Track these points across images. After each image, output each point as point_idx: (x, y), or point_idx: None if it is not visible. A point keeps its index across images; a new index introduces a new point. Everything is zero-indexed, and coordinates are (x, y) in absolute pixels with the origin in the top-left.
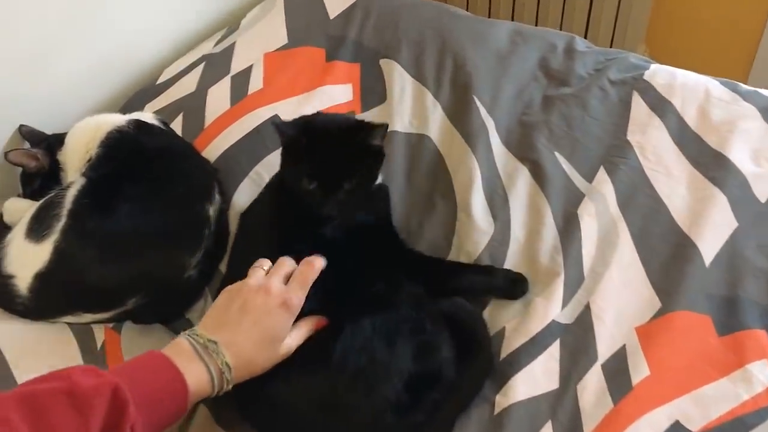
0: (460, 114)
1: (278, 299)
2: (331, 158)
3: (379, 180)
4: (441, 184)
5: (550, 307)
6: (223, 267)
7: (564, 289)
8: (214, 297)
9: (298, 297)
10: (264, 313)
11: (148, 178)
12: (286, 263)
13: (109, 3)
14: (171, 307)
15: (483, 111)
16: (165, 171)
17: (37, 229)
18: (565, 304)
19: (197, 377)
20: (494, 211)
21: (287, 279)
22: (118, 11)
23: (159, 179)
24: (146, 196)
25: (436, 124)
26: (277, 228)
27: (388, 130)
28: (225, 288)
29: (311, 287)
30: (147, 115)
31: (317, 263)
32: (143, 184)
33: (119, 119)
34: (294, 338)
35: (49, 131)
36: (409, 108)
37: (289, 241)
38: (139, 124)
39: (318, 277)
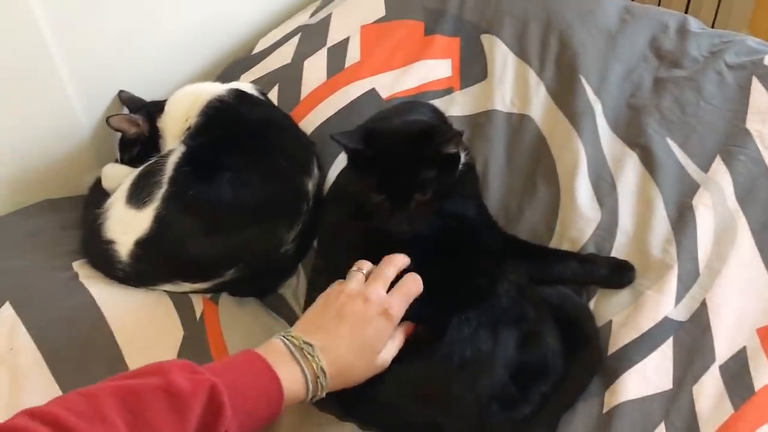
0: (565, 94)
1: (379, 308)
2: (400, 170)
3: (464, 159)
4: (543, 167)
5: (662, 302)
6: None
7: (678, 284)
8: (307, 274)
9: (399, 308)
10: (363, 320)
11: (248, 149)
12: (389, 270)
13: None
14: (266, 281)
15: (590, 92)
16: (265, 143)
17: (137, 196)
18: (678, 299)
19: (292, 380)
20: (600, 198)
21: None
22: None
23: (259, 151)
24: (247, 168)
25: (539, 105)
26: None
27: (488, 109)
28: (322, 293)
29: None
30: (246, 85)
31: (420, 283)
32: (244, 155)
33: (219, 88)
34: (389, 351)
35: (147, 98)
36: (510, 86)
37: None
38: (239, 94)
39: (420, 263)
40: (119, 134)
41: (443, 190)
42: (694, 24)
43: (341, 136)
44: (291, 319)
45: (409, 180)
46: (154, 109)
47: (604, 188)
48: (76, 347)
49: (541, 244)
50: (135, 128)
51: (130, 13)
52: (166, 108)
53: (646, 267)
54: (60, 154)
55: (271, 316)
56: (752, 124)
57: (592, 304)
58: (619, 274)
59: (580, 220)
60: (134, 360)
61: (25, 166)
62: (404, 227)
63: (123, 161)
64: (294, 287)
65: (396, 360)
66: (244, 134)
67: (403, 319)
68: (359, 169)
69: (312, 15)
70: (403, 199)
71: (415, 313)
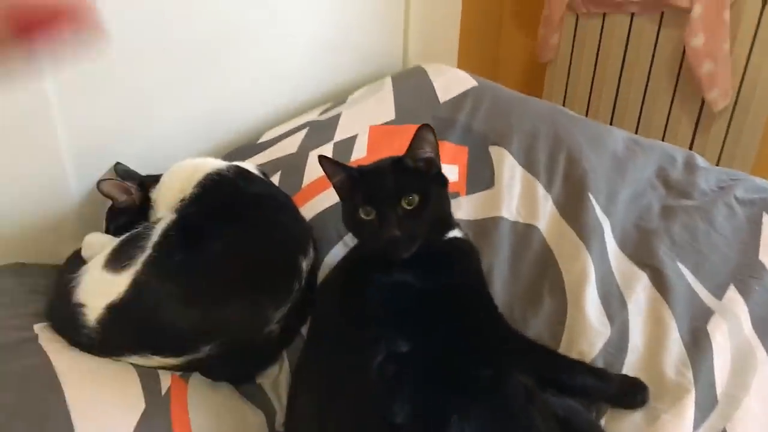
0: (573, 210)
1: None
2: (383, 179)
3: (457, 234)
4: (549, 278)
5: (681, 429)
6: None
7: (696, 410)
8: (291, 365)
9: None
10: None
11: (243, 220)
12: None
13: (223, 60)
14: (245, 364)
15: (598, 210)
16: (261, 216)
17: (117, 260)
18: (696, 427)
19: None
20: (610, 313)
21: None
22: (230, 70)
23: (255, 224)
24: (239, 238)
25: (546, 217)
26: (361, 302)
27: (495, 216)
28: None
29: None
30: (248, 165)
31: None
32: (237, 226)
33: (220, 163)
34: None
35: (143, 173)
36: (517, 196)
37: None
38: (240, 171)
39: (418, 351)
40: (107, 204)
41: (427, 202)
42: (700, 160)
43: (329, 160)
44: (269, 411)
45: (393, 186)
46: (148, 180)
47: (614, 304)
48: (24, 409)
49: (549, 348)
50: (125, 195)
51: (142, 89)
52: (163, 179)
53: (661, 388)
54: (43, 218)
55: (246, 404)
56: (766, 257)
57: (602, 421)
58: (632, 393)
59: (590, 333)
60: (85, 429)
61: (5, 225)
62: (393, 231)
63: (108, 231)
64: (274, 377)
65: None
66: (239, 206)
67: (401, 407)
68: (346, 192)
69: (321, 114)
70: (391, 205)
71: (413, 406)
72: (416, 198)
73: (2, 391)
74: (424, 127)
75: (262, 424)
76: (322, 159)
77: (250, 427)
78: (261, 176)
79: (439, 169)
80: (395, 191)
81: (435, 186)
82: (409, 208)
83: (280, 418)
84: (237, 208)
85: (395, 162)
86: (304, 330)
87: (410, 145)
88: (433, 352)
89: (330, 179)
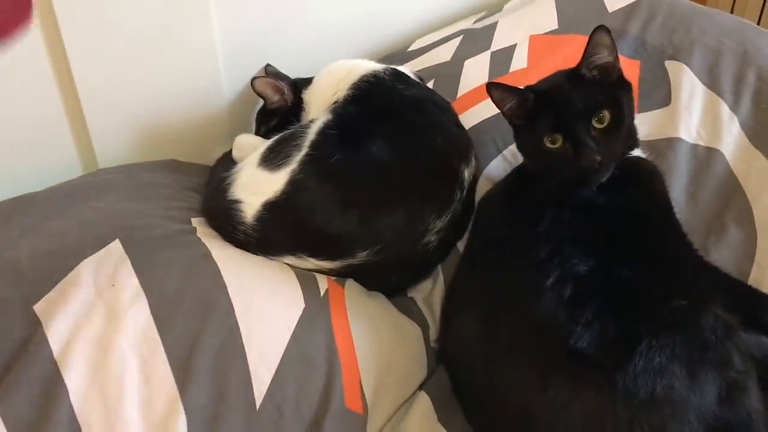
0: (764, 133)
1: None
2: (567, 102)
3: (640, 154)
4: (734, 207)
5: None
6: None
7: None
8: (446, 280)
9: None
10: None
11: (403, 122)
12: None
13: None
14: (400, 274)
15: None
16: (422, 119)
17: (272, 159)
18: None
19: None
20: None
21: None
22: None
23: (415, 126)
24: (399, 141)
25: (732, 141)
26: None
27: (671, 137)
28: None
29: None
30: (404, 68)
31: None
32: (397, 128)
33: (376, 65)
34: None
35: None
36: (698, 117)
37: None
38: (397, 73)
39: (599, 272)
40: (258, 106)
41: (622, 122)
42: None
43: (498, 86)
44: (423, 325)
45: (581, 106)
46: (301, 82)
47: None
48: (186, 297)
49: (745, 282)
50: (278, 96)
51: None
52: (316, 79)
53: None
54: (197, 117)
55: (402, 315)
56: None
57: None
58: None
59: None
60: (247, 324)
61: (160, 122)
62: (593, 158)
63: (258, 133)
64: (427, 292)
65: (560, 386)
66: (398, 108)
67: (583, 331)
68: (524, 118)
69: (475, 22)
70: (583, 128)
71: (596, 330)
72: (607, 114)
73: (168, 277)
74: (600, 30)
75: (418, 336)
76: (490, 86)
77: (407, 335)
78: (418, 80)
79: (621, 73)
80: (584, 111)
81: (623, 95)
82: (600, 126)
83: (433, 333)
84: (396, 109)
85: (570, 75)
86: (460, 246)
87: (585, 52)
88: (617, 274)
89: (500, 107)
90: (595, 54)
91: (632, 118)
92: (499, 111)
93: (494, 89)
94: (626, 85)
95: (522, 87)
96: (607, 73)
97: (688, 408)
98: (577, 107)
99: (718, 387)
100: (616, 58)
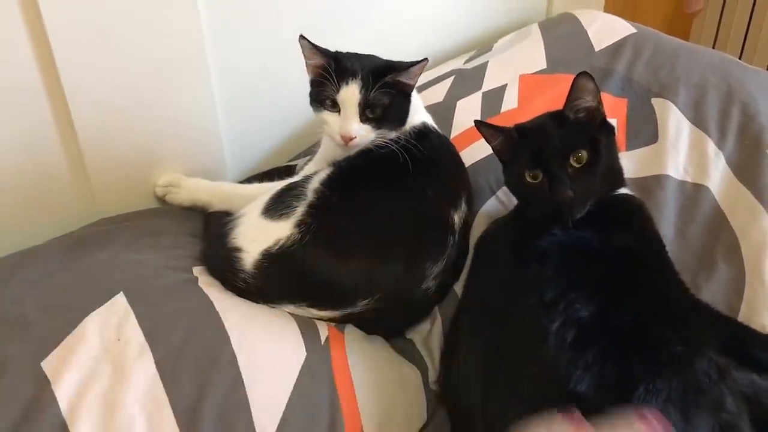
0: (749, 169)
1: None
2: (548, 140)
3: (627, 191)
4: (723, 243)
5: None
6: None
7: None
8: (444, 320)
9: None
10: None
11: (400, 176)
12: None
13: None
14: (398, 320)
15: None
16: (419, 166)
17: (275, 209)
18: None
19: None
20: None
21: None
22: (371, 15)
23: (409, 180)
24: (396, 193)
25: (718, 177)
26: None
27: (659, 174)
28: None
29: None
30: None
31: None
32: (395, 181)
33: None
34: None
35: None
36: (684, 154)
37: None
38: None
39: (601, 317)
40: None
41: (599, 162)
42: None
43: (485, 124)
44: (421, 367)
45: (559, 144)
46: None
47: None
48: (190, 350)
49: (737, 319)
50: None
51: (278, 45)
52: None
53: None
54: (197, 162)
55: (401, 358)
56: None
57: None
58: None
59: None
60: (251, 376)
61: (159, 167)
62: (566, 193)
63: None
64: (425, 334)
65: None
66: (400, 160)
67: (583, 374)
68: (509, 155)
69: (466, 62)
70: (559, 165)
71: (595, 374)
72: (585, 154)
73: (172, 330)
74: (583, 75)
75: (418, 380)
76: (479, 124)
77: (407, 380)
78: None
79: (604, 117)
80: (562, 149)
81: (602, 137)
82: (578, 165)
83: (431, 375)
84: (395, 163)
85: (555, 116)
86: (456, 286)
87: (569, 96)
88: (616, 318)
89: (489, 143)
90: (578, 98)
91: (614, 159)
92: (491, 152)
93: (482, 127)
94: (608, 128)
95: (510, 126)
96: (591, 116)
97: None
98: (556, 145)
99: (711, 428)
100: (600, 102)
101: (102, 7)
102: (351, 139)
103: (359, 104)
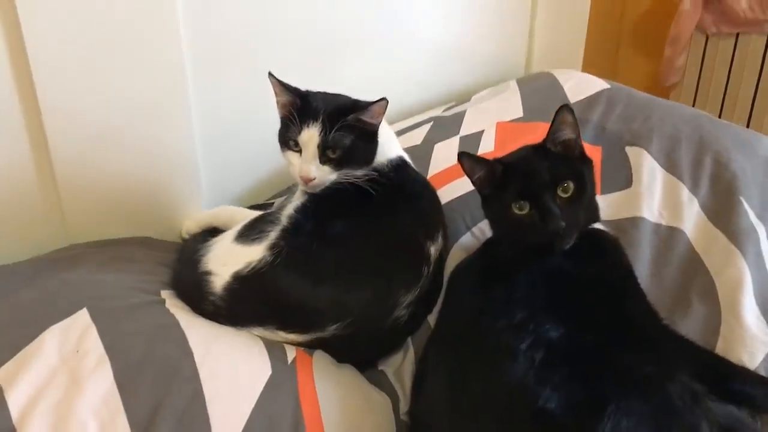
0: (723, 214)
1: None
2: (535, 172)
3: (600, 226)
4: (698, 283)
5: None
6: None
7: None
8: (416, 352)
9: None
10: None
11: (376, 203)
12: None
13: (347, 59)
14: (369, 348)
15: (752, 215)
16: (395, 201)
17: (247, 235)
18: None
19: None
20: None
21: None
22: (352, 68)
23: (387, 207)
24: (371, 219)
25: (692, 220)
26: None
27: (634, 216)
28: None
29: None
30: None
31: None
32: (370, 208)
33: None
34: None
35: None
36: (659, 198)
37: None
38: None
39: (570, 338)
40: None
41: (585, 192)
42: None
43: (468, 156)
44: (392, 397)
45: (547, 175)
46: None
47: None
48: (151, 363)
49: (714, 351)
50: None
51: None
52: None
53: None
54: (173, 195)
55: (370, 386)
56: None
57: None
58: None
59: (750, 341)
60: (212, 390)
61: (132, 199)
62: (559, 223)
63: None
64: (398, 365)
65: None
66: (376, 189)
67: (552, 393)
68: (493, 188)
69: (444, 110)
70: (549, 196)
71: (565, 393)
72: (571, 185)
73: (133, 343)
74: (563, 108)
75: (387, 406)
76: (462, 156)
77: (376, 404)
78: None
79: (583, 149)
80: (550, 180)
81: (584, 168)
82: (565, 196)
83: (403, 406)
84: (371, 192)
85: (536, 149)
86: (430, 319)
87: (550, 129)
88: (586, 341)
89: (470, 176)
90: (559, 130)
91: (593, 192)
92: (467, 190)
93: (466, 159)
94: (587, 161)
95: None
96: (570, 149)
97: None
98: (544, 177)
99: None
100: (578, 136)
101: (85, 39)
102: (310, 180)
103: (318, 146)
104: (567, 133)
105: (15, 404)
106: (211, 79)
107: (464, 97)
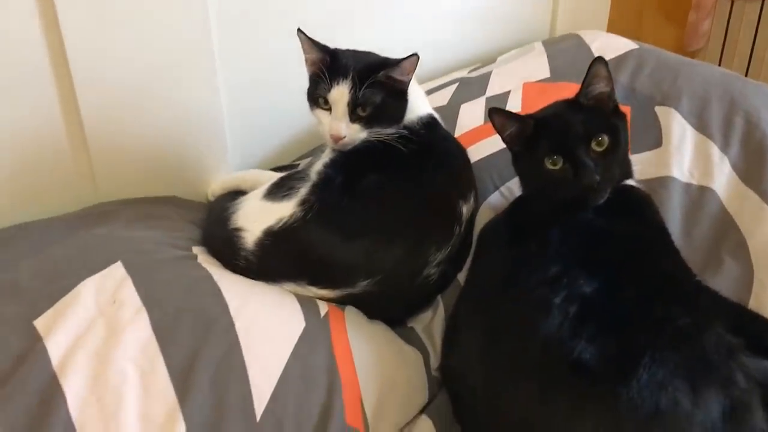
0: (754, 173)
1: None
2: (568, 126)
3: (633, 182)
4: (729, 242)
5: None
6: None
7: None
8: (446, 309)
9: None
10: None
11: (408, 160)
12: None
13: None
14: (399, 305)
15: None
16: (428, 158)
17: (276, 192)
18: None
19: None
20: None
21: None
22: (374, 32)
23: (419, 164)
24: (403, 176)
25: (723, 180)
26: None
27: (664, 176)
28: None
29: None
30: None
31: None
32: (402, 165)
33: None
34: None
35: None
36: (689, 157)
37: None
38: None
39: (604, 292)
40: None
41: (619, 146)
42: None
43: (499, 111)
44: (424, 352)
45: (581, 129)
46: None
47: None
48: (187, 314)
49: (747, 308)
50: None
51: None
52: None
53: None
54: (199, 155)
55: (402, 340)
56: None
57: None
58: None
59: None
60: (248, 341)
61: (161, 158)
62: (593, 177)
63: None
64: (427, 322)
65: (562, 399)
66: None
67: (587, 345)
68: (526, 144)
69: (470, 72)
70: (583, 150)
71: (599, 345)
72: (606, 138)
73: (169, 295)
74: (598, 61)
75: (418, 361)
76: (493, 111)
77: (408, 358)
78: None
79: (617, 103)
80: (584, 134)
81: (619, 122)
82: (599, 149)
83: (434, 361)
84: (402, 149)
85: (569, 104)
86: (460, 278)
87: (584, 83)
88: (620, 295)
89: (501, 133)
90: (592, 84)
91: (627, 147)
92: (494, 149)
93: (497, 115)
94: (621, 115)
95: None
96: (603, 103)
97: (693, 423)
98: (578, 131)
99: (722, 404)
100: (612, 89)
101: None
102: (340, 138)
103: (348, 104)
104: (601, 87)
105: (55, 352)
106: (237, 40)
107: (489, 60)
